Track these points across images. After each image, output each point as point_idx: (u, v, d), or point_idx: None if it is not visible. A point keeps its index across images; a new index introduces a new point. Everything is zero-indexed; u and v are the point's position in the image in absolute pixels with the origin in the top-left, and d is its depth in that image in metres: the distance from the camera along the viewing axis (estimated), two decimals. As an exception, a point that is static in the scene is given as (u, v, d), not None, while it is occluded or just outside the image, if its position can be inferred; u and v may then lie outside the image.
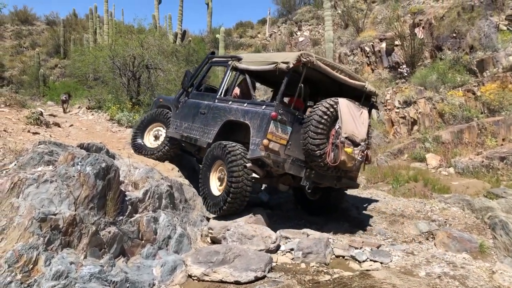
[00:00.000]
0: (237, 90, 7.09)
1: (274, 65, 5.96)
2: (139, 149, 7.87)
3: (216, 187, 6.35)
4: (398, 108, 14.63)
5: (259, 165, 5.94)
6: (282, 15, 34.56)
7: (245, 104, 6.30)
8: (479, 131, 11.37)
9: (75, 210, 4.09)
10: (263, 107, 5.95)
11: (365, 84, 6.59)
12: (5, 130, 8.90)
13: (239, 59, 6.89)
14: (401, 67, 16.97)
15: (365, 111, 6.19)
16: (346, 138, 5.73)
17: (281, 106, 5.79)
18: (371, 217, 7.26)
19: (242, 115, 6.19)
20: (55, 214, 3.86)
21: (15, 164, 4.86)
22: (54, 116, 14.59)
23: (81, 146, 5.61)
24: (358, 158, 5.90)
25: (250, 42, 33.30)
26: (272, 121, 5.62)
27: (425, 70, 15.57)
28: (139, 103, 17.17)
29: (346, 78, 6.29)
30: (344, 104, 5.86)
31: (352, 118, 5.86)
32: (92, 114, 17.10)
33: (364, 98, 6.66)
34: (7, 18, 42.60)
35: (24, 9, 45.18)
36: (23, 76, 33.66)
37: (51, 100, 23.34)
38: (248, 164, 5.83)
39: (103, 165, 4.48)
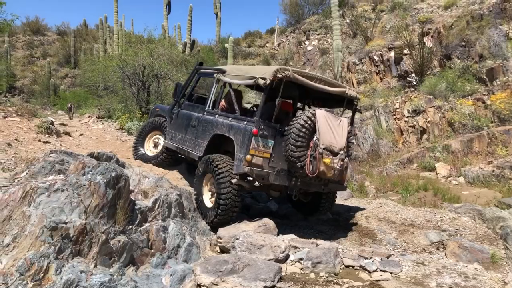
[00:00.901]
0: (224, 102, 7.28)
1: (253, 80, 6.15)
2: (139, 156, 8.36)
3: (208, 199, 6.52)
4: (407, 117, 14.59)
5: (245, 179, 6.12)
6: (290, 24, 34.75)
7: (229, 119, 6.50)
8: (489, 140, 11.29)
9: (86, 219, 4.11)
10: (245, 122, 6.11)
11: (345, 90, 6.71)
12: (16, 139, 8.99)
13: (223, 72, 7.09)
14: (409, 76, 16.93)
15: (344, 120, 6.33)
16: (324, 149, 5.86)
17: (261, 122, 5.92)
18: (381, 226, 7.21)
19: (227, 130, 6.39)
20: (66, 223, 3.89)
21: (26, 173, 4.91)
22: (65, 125, 14.72)
23: (91, 155, 5.66)
24: (337, 167, 6.00)
25: (259, 52, 33.45)
26: (253, 137, 5.79)
27: (434, 79, 15.52)
28: (149, 112, 17.27)
29: (325, 87, 6.42)
30: (321, 116, 5.99)
31: (330, 128, 5.99)
32: (102, 123, 17.22)
33: (346, 103, 6.85)
34: (19, 28, 43.30)
35: (36, 19, 45.98)
36: (34, 86, 34.14)
37: (61, 109, 23.60)
38: (234, 180, 5.97)
39: (113, 174, 4.51)
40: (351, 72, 20.35)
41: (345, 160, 6.18)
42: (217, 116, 6.84)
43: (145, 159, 8.23)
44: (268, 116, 6.12)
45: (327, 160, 5.85)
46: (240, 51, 32.52)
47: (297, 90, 7.21)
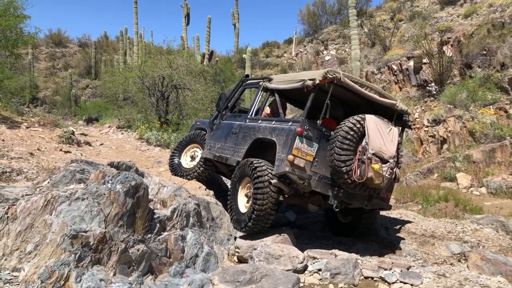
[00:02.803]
0: (267, 110, 7.13)
1: (301, 82, 5.93)
2: (175, 170, 8.12)
3: (243, 204, 6.33)
4: (427, 126, 14.40)
5: (285, 182, 5.84)
6: (308, 34, 34.73)
7: (273, 122, 6.30)
8: (512, 150, 11.07)
9: (105, 228, 4.16)
10: (289, 123, 5.92)
11: (396, 103, 6.41)
12: (38, 149, 9.16)
13: (269, 80, 6.94)
14: (429, 85, 16.73)
15: (394, 129, 6.06)
16: (373, 154, 5.59)
17: (307, 122, 5.70)
18: (401, 237, 7.11)
19: (270, 133, 6.16)
20: (86, 231, 3.94)
21: (48, 182, 5.00)
22: (85, 135, 14.95)
23: (111, 165, 5.72)
24: (386, 175, 5.70)
25: (276, 62, 33.52)
26: (297, 137, 5.56)
27: (454, 88, 15.30)
28: (168, 122, 17.47)
29: (376, 96, 6.16)
30: (371, 120, 5.75)
31: (379, 134, 5.73)
32: (122, 133, 17.44)
33: (396, 117, 6.53)
34: (42, 41, 44.27)
35: (58, 32, 47.03)
36: (56, 97, 34.83)
37: (82, 120, 24.03)
38: (273, 181, 5.74)
39: (133, 183, 4.55)
40: (370, 82, 20.24)
41: (395, 170, 5.89)
42: (259, 121, 6.65)
43: (180, 171, 8.01)
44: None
45: (376, 166, 5.58)
46: (258, 61, 32.64)
47: (342, 109, 6.97)
